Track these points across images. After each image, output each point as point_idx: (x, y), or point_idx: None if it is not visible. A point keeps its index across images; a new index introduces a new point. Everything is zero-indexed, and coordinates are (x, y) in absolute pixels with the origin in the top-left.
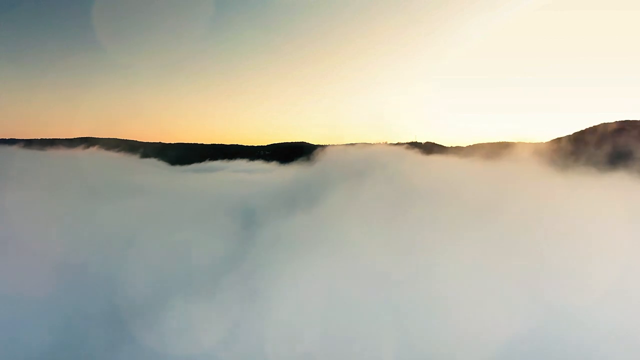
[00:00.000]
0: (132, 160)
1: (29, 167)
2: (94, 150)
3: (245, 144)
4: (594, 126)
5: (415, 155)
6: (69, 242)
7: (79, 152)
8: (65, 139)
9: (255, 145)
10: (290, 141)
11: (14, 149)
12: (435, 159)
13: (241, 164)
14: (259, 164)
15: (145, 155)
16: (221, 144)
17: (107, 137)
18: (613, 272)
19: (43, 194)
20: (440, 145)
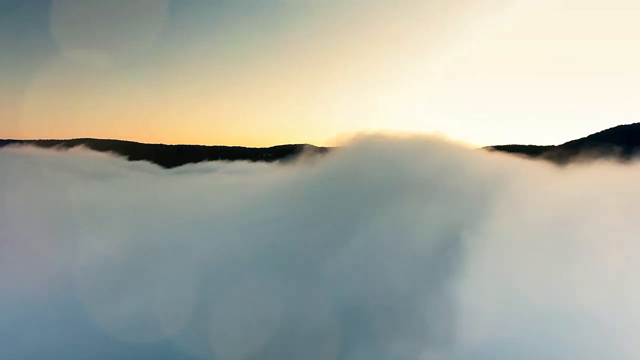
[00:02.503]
0: (113, 162)
1: None
2: (76, 150)
3: (248, 146)
4: (611, 128)
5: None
6: None
7: (51, 152)
8: (57, 140)
9: (258, 147)
10: (294, 143)
11: None
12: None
13: (240, 165)
14: (258, 165)
15: (135, 157)
16: (223, 146)
17: (105, 138)
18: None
19: None
20: None
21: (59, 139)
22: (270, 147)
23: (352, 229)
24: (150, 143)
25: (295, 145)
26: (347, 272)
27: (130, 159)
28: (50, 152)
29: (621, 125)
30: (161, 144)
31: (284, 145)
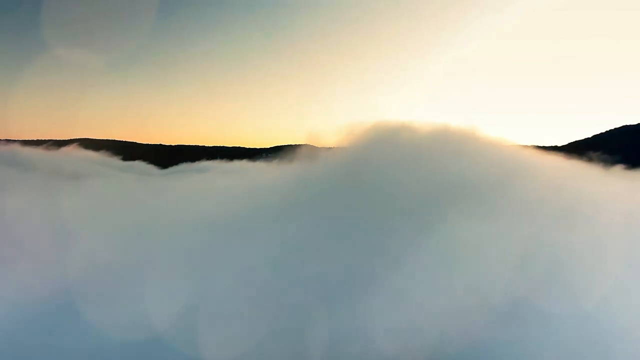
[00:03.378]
0: (103, 163)
1: None
2: (67, 149)
3: (247, 146)
4: (615, 128)
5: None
6: None
7: (37, 151)
8: (51, 139)
9: (258, 147)
10: (294, 143)
11: None
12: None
13: (239, 164)
14: (257, 165)
15: (131, 157)
16: (222, 146)
17: (103, 138)
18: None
19: None
20: None
21: (57, 138)
22: (270, 147)
23: (382, 251)
24: (148, 143)
25: (295, 145)
26: (377, 311)
27: (125, 159)
28: (37, 151)
29: (626, 125)
30: (159, 144)
31: (284, 145)
